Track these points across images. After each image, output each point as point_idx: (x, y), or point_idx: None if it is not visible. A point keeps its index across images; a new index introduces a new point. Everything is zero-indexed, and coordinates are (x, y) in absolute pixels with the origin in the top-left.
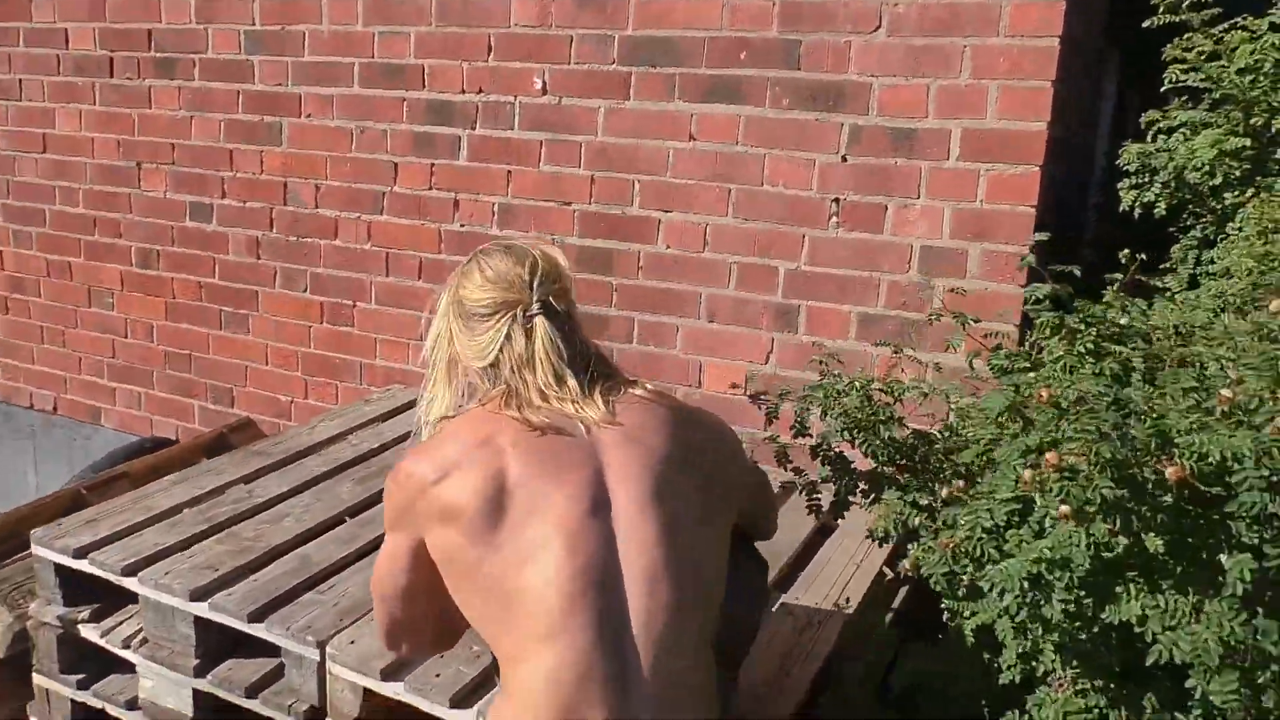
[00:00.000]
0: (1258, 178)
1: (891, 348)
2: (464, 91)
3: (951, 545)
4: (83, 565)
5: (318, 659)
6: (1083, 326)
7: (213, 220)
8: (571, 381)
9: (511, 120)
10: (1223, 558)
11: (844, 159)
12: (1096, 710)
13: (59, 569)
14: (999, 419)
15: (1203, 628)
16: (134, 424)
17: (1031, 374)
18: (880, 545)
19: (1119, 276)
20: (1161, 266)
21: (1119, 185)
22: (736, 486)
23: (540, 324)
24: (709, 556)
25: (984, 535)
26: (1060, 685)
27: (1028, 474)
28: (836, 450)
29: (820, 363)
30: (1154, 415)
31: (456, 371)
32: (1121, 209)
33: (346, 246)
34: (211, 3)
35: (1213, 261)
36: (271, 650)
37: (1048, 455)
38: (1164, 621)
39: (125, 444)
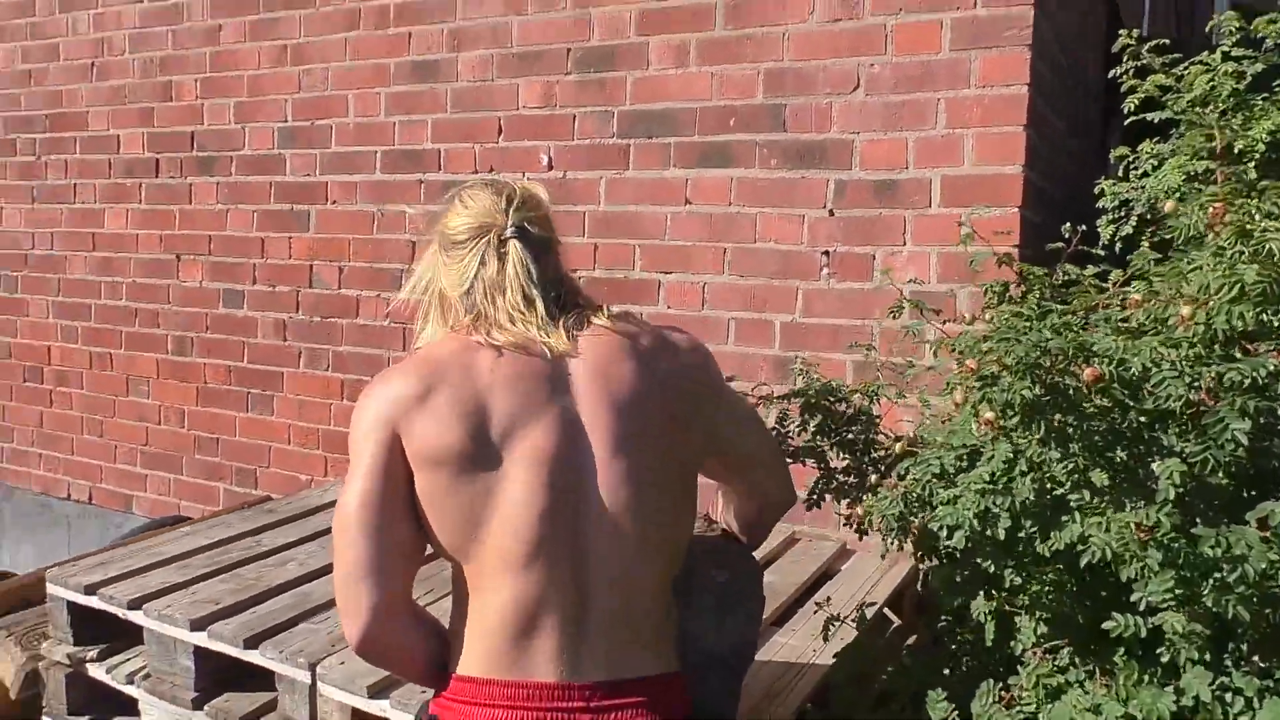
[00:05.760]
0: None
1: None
2: (476, 171)
3: (902, 489)
4: (93, 601)
5: (309, 682)
6: (1030, 287)
7: (244, 306)
8: (540, 305)
9: None
10: (1155, 465)
11: (831, 212)
12: (1071, 672)
13: (71, 607)
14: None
15: (1128, 515)
16: (163, 510)
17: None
18: (861, 537)
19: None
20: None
21: (1098, 222)
22: (707, 415)
23: (514, 247)
24: (674, 494)
25: (933, 479)
26: (1036, 654)
27: (958, 394)
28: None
29: (801, 371)
30: (1076, 335)
31: (446, 305)
32: (1101, 245)
33: (367, 324)
34: (249, 104)
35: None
36: (267, 685)
37: (968, 362)
38: (1100, 529)
39: (150, 520)
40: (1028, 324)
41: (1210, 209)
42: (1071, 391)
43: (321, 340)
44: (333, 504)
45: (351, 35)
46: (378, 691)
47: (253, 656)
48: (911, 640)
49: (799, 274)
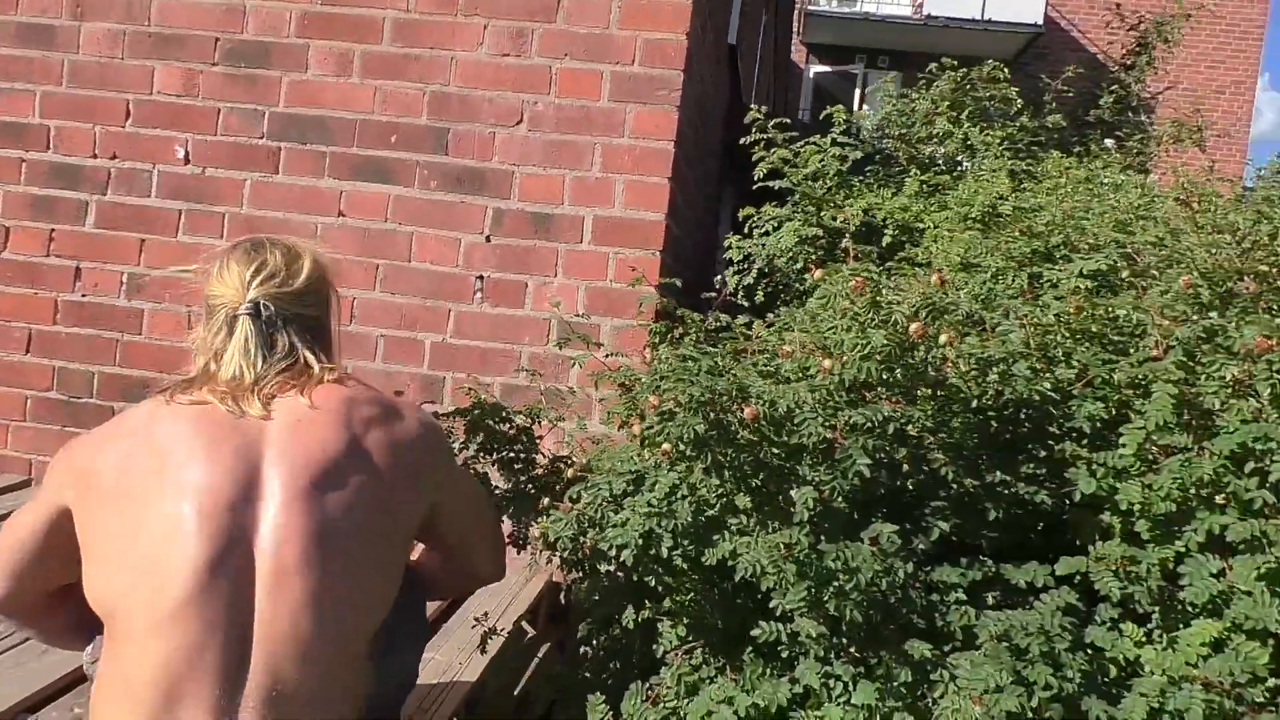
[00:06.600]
0: (829, 261)
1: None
2: (95, 156)
3: (576, 511)
4: None
5: None
6: (688, 331)
7: None
8: (247, 379)
9: (149, 188)
10: (793, 492)
11: (488, 239)
12: (704, 669)
13: None
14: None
15: (776, 537)
16: None
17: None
18: (519, 552)
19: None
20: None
21: (724, 273)
22: (422, 497)
23: (242, 324)
24: (371, 557)
25: (604, 503)
26: (677, 655)
27: (637, 427)
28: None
29: (468, 391)
30: (737, 379)
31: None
32: (726, 294)
33: None
34: None
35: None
36: None
37: (650, 398)
38: (748, 548)
39: None
40: (694, 364)
41: (853, 281)
42: (732, 427)
43: None
44: None
45: None
46: None
47: None
48: (545, 648)
49: (452, 296)
